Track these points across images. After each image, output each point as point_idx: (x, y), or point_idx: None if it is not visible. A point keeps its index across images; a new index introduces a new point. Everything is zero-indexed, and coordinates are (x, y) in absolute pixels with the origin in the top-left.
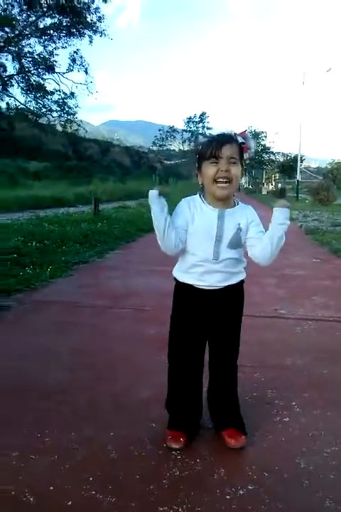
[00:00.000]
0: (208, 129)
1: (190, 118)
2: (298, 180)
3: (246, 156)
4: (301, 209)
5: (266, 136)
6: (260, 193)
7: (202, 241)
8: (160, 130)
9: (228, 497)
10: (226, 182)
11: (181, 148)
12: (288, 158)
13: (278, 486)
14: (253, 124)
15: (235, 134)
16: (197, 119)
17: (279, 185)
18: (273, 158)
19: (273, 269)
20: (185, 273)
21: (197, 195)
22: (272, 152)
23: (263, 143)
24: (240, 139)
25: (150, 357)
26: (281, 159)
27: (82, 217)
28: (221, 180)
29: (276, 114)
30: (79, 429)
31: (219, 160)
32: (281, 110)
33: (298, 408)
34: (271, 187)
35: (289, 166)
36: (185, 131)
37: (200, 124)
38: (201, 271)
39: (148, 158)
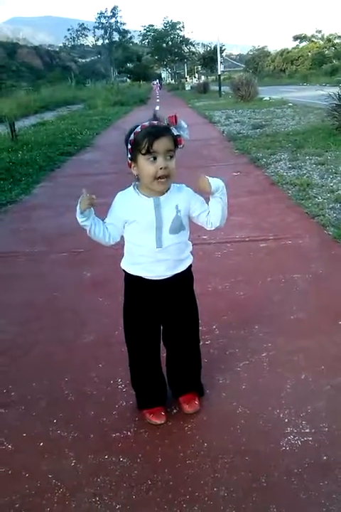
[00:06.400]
0: (122, 24)
1: (101, 13)
2: (219, 75)
3: (180, 146)
4: (224, 108)
5: (183, 27)
6: (184, 88)
7: (143, 232)
8: (69, 29)
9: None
10: (165, 177)
11: (95, 43)
12: (209, 48)
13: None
14: (169, 15)
15: (169, 123)
16: (109, 14)
17: (202, 77)
18: (194, 50)
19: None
20: (133, 265)
21: (131, 187)
22: (192, 43)
23: (181, 34)
24: (175, 132)
25: (90, 302)
26: (202, 50)
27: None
28: (161, 177)
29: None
30: (39, 379)
31: (157, 155)
32: None
33: (217, 330)
34: (194, 80)
35: (210, 58)
36: (97, 27)
37: (113, 19)
38: (148, 261)
39: (61, 57)
